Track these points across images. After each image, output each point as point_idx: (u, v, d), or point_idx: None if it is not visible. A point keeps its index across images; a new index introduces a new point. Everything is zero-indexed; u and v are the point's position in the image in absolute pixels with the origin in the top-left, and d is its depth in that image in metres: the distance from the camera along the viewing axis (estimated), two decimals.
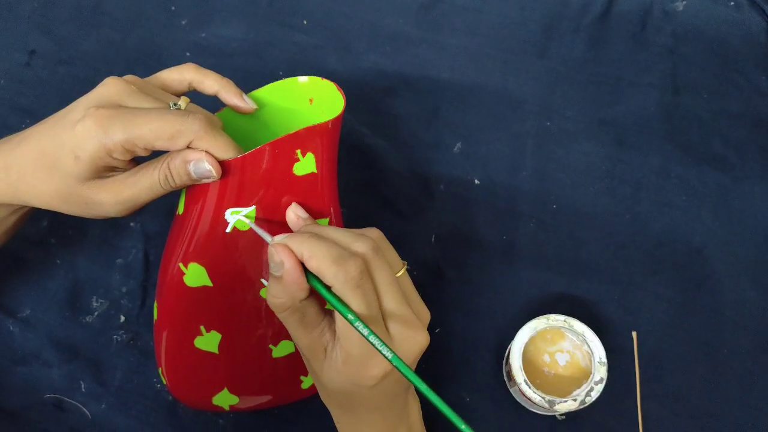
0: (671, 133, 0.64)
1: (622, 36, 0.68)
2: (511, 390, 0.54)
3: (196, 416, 0.54)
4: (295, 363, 0.50)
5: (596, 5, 0.69)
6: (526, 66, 0.67)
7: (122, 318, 0.57)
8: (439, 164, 0.63)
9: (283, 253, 0.38)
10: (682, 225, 0.61)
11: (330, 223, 0.46)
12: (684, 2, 0.69)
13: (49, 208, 0.44)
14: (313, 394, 0.52)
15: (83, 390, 0.54)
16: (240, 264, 0.45)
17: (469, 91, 0.66)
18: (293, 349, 0.49)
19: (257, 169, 0.42)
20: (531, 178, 0.62)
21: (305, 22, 0.69)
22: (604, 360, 0.51)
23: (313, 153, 0.43)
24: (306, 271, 0.38)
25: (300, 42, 0.68)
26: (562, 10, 0.69)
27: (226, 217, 0.43)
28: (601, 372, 0.50)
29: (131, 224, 0.60)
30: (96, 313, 0.57)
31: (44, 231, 0.59)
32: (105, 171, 0.41)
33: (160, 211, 0.60)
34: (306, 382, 0.52)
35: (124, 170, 0.42)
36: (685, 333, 0.57)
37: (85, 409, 0.54)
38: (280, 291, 0.39)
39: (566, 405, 0.50)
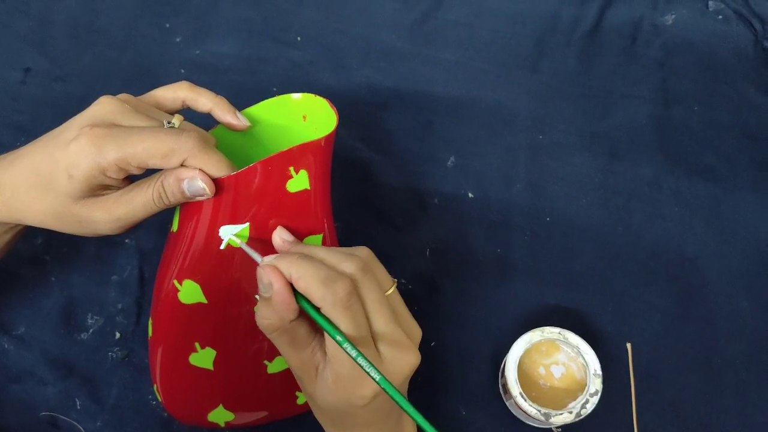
0: (663, 144, 0.65)
1: (612, 50, 0.69)
2: (507, 403, 0.54)
3: None
4: (291, 378, 0.49)
5: (587, 20, 0.69)
6: (518, 80, 0.68)
7: (117, 335, 0.57)
8: (433, 178, 0.63)
9: (272, 275, 0.38)
10: (674, 236, 0.61)
11: (324, 239, 0.47)
12: (673, 16, 0.70)
13: (43, 227, 0.44)
14: (308, 410, 0.52)
15: (78, 407, 0.54)
16: (235, 280, 0.45)
17: (461, 105, 0.67)
18: None
19: (251, 187, 0.42)
20: (524, 191, 0.63)
21: (299, 38, 0.69)
22: (599, 372, 0.51)
23: (306, 170, 0.44)
24: (295, 292, 0.38)
25: (294, 58, 0.69)
26: (553, 24, 0.70)
27: (220, 234, 0.43)
28: (596, 384, 0.50)
29: (126, 241, 0.60)
30: (91, 330, 0.57)
31: (39, 248, 0.59)
32: (99, 189, 0.42)
33: (154, 228, 0.60)
34: (302, 398, 0.51)
35: (118, 188, 0.43)
36: (680, 343, 0.57)
37: (80, 427, 0.54)
38: (269, 312, 0.39)
39: (562, 417, 0.50)
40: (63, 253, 0.59)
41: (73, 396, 0.55)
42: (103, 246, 0.60)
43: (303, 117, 0.49)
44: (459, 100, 0.67)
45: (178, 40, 0.69)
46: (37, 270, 0.59)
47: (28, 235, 0.59)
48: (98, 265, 0.59)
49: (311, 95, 0.48)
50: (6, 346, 0.56)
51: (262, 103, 0.49)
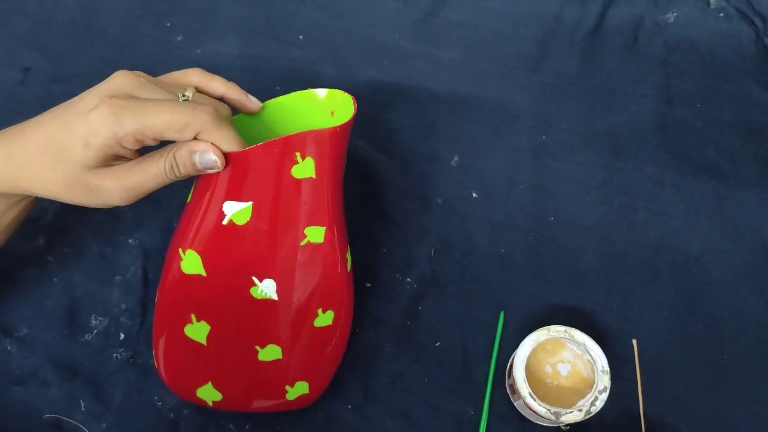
0: (666, 142, 0.65)
1: (615, 48, 0.69)
2: (515, 403, 0.54)
3: None
4: (281, 371, 0.50)
5: (589, 19, 0.69)
6: (521, 80, 0.68)
7: (122, 336, 0.56)
8: (437, 178, 0.63)
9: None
10: (679, 233, 0.61)
11: (327, 233, 0.47)
12: (675, 14, 0.70)
13: (52, 197, 0.44)
14: (299, 408, 0.52)
15: (83, 409, 0.54)
16: (236, 259, 0.46)
17: (464, 105, 0.66)
18: (280, 356, 0.50)
19: (258, 166, 0.44)
20: (528, 191, 0.63)
21: (301, 37, 0.69)
22: (607, 369, 0.51)
23: (312, 158, 0.44)
24: None
25: (296, 57, 0.68)
26: (555, 25, 0.70)
27: (223, 209, 0.44)
28: (604, 381, 0.50)
29: (129, 241, 0.59)
30: (95, 331, 0.56)
31: (41, 249, 0.59)
32: (111, 160, 0.42)
33: (158, 227, 0.60)
34: (291, 393, 0.51)
35: (129, 160, 0.43)
36: (685, 340, 0.57)
37: (85, 429, 0.53)
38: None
39: (572, 416, 0.50)
40: (65, 253, 0.59)
41: (78, 398, 0.54)
42: (106, 246, 0.59)
43: (331, 113, 0.50)
44: (462, 100, 0.67)
45: (179, 39, 0.69)
46: (40, 271, 0.58)
47: (30, 236, 0.59)
48: (101, 265, 0.59)
49: (338, 91, 0.49)
50: (9, 347, 0.55)
51: (287, 95, 0.50)
